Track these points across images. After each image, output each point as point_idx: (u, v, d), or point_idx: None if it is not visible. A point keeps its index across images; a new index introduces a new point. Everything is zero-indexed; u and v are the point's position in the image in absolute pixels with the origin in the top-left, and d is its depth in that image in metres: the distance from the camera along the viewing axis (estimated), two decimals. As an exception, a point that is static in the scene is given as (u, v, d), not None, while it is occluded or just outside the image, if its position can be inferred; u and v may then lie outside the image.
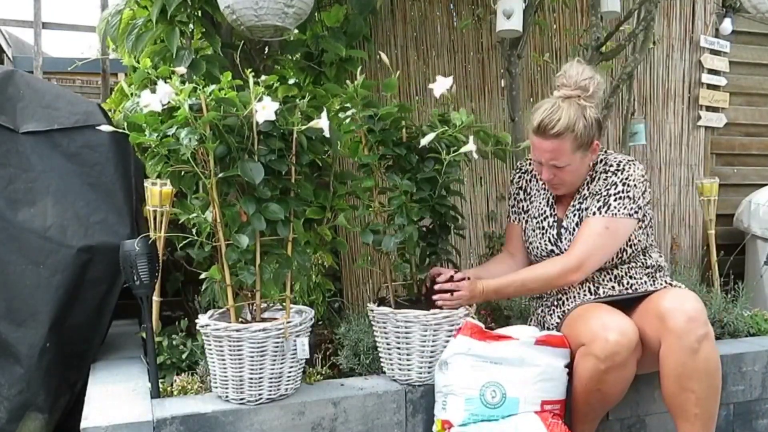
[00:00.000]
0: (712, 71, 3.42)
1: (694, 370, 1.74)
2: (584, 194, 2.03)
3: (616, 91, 2.82)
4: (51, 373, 2.05)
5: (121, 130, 1.74)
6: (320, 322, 2.43)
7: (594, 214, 1.96)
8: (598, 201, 1.97)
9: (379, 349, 1.99)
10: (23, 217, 2.09)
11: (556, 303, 2.06)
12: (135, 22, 2.33)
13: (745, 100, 3.66)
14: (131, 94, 1.92)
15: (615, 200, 1.95)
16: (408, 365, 1.91)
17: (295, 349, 1.77)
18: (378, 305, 1.96)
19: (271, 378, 1.75)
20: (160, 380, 1.89)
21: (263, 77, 1.70)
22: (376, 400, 1.87)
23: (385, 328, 1.93)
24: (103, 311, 2.18)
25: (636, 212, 1.96)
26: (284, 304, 1.82)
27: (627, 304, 1.95)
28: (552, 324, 2.04)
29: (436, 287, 1.91)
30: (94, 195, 2.21)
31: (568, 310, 2.00)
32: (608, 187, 1.97)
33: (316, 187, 1.85)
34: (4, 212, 2.07)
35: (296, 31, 2.41)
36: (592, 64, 2.69)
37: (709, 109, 3.42)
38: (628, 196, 1.95)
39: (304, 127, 1.72)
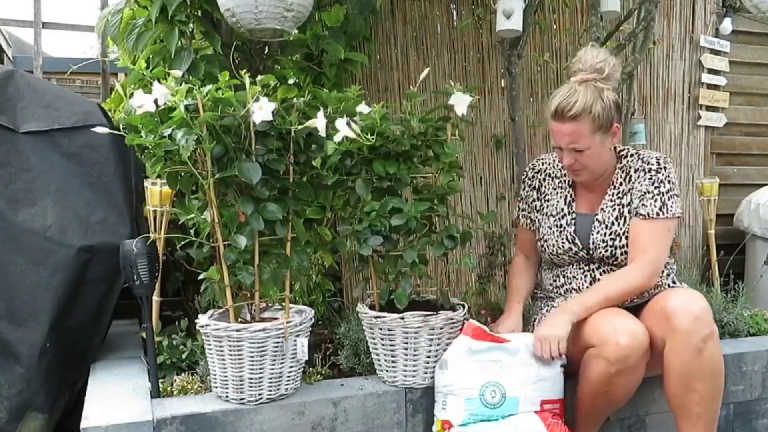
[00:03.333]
0: (712, 71, 3.42)
1: (699, 369, 1.74)
2: (622, 189, 2.00)
3: (616, 91, 2.82)
4: (51, 373, 2.05)
5: (117, 132, 1.73)
6: (320, 322, 2.43)
7: (657, 215, 1.93)
8: (655, 201, 1.94)
9: (372, 353, 1.99)
10: (23, 217, 2.09)
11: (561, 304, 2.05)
12: (135, 21, 2.32)
13: (745, 99, 3.66)
14: (127, 95, 1.92)
15: (669, 199, 1.94)
16: (406, 369, 1.91)
17: (295, 349, 1.77)
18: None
19: (271, 378, 1.76)
20: (160, 380, 1.89)
21: (260, 77, 1.69)
22: (376, 400, 1.87)
23: (372, 332, 1.94)
24: (103, 311, 2.18)
25: (681, 210, 1.97)
26: (284, 303, 1.82)
27: (630, 304, 1.95)
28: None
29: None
30: (94, 195, 2.20)
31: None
32: (657, 185, 1.95)
33: (315, 186, 1.85)
34: (4, 212, 2.07)
35: (296, 31, 2.41)
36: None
37: (709, 108, 3.42)
38: (675, 194, 1.96)
39: (301, 127, 1.72)
